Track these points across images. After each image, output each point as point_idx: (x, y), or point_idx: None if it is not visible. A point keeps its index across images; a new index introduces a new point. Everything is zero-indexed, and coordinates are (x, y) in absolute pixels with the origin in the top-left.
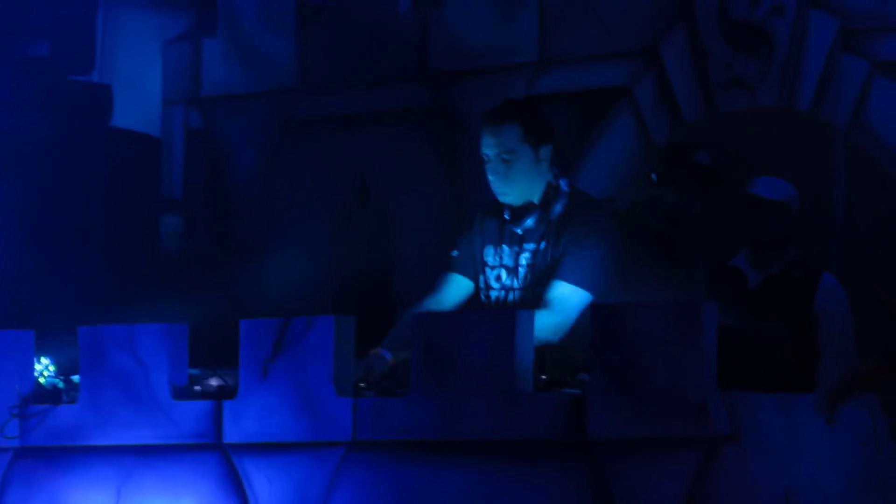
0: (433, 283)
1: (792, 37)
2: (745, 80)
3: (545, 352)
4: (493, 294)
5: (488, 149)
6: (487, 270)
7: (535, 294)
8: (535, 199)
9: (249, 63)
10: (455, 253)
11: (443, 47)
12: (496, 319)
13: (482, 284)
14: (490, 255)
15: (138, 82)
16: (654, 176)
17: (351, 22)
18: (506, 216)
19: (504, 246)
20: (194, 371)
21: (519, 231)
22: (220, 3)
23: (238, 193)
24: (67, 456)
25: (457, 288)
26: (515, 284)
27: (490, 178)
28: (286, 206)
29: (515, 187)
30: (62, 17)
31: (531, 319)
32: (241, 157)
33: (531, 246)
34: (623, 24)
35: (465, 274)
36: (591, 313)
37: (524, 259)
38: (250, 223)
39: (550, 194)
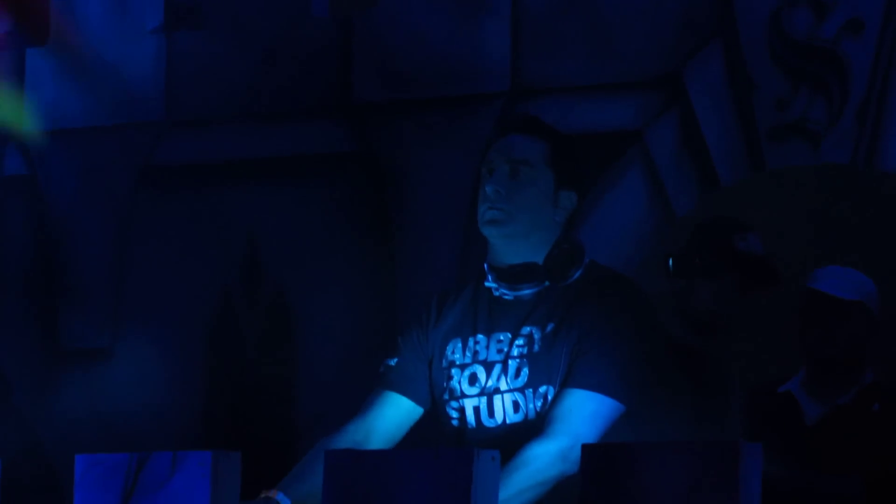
0: (361, 403)
1: (875, 66)
2: (807, 127)
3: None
4: (469, 404)
5: (497, 155)
6: (454, 373)
7: (544, 401)
8: (539, 260)
9: (95, 85)
10: (393, 361)
11: (373, 69)
12: (444, 461)
13: (446, 396)
14: (458, 352)
15: None
16: (671, 262)
17: (241, 31)
18: (489, 281)
19: (480, 336)
20: None
21: (509, 297)
22: None
23: (74, 270)
24: None
25: (395, 411)
26: (506, 385)
27: (486, 190)
28: (143, 289)
29: (516, 218)
30: None
31: (496, 463)
32: (81, 219)
33: (529, 330)
34: (631, 41)
35: (407, 392)
36: (582, 456)
37: (518, 349)
38: (92, 314)
39: (567, 251)
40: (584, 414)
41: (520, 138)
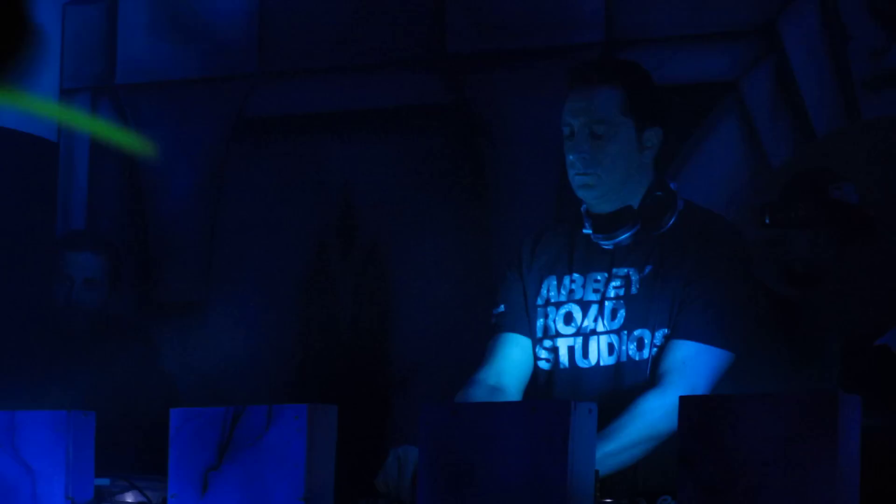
0: (457, 355)
1: None
2: None
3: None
4: (563, 344)
5: (573, 117)
6: (550, 311)
7: (638, 344)
8: (634, 204)
9: (187, 38)
10: (500, 309)
11: (467, 20)
12: (541, 413)
13: (539, 334)
14: (553, 290)
15: None
16: (766, 213)
17: None
18: (586, 228)
19: (576, 275)
20: (103, 481)
21: (608, 246)
22: None
23: (167, 223)
24: None
25: (516, 350)
26: (601, 326)
27: (570, 158)
28: (236, 240)
29: (606, 177)
30: None
31: (593, 415)
32: (174, 172)
33: (625, 271)
34: None
35: (520, 330)
36: (679, 408)
37: (615, 290)
38: (185, 266)
39: (661, 199)
40: (700, 367)
41: (592, 91)
